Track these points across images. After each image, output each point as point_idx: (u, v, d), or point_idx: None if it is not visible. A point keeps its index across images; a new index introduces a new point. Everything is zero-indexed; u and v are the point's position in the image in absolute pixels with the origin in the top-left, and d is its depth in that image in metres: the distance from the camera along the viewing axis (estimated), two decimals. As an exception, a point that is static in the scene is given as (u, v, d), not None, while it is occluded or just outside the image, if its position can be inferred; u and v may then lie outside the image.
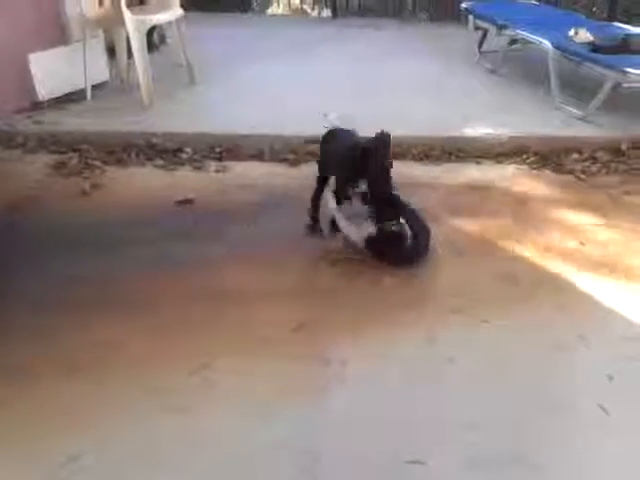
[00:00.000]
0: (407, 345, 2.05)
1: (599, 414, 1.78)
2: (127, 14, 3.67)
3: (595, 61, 3.68)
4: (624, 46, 3.79)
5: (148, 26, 3.90)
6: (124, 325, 2.11)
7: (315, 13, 7.24)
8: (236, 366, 1.93)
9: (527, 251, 2.59)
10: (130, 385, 1.87)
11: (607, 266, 2.50)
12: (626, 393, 1.88)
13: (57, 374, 1.91)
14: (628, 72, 3.38)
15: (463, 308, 2.22)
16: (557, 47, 3.89)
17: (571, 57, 3.89)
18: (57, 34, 3.94)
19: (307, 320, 2.15)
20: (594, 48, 3.81)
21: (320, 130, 2.77)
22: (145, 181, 3.19)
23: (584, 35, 4.07)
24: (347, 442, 1.70)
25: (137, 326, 2.11)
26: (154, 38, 5.17)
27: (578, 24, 4.30)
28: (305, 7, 7.66)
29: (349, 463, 1.64)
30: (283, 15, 7.41)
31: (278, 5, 7.68)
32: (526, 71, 4.56)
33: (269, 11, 7.86)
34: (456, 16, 5.90)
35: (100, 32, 4.19)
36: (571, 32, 4.12)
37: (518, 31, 4.27)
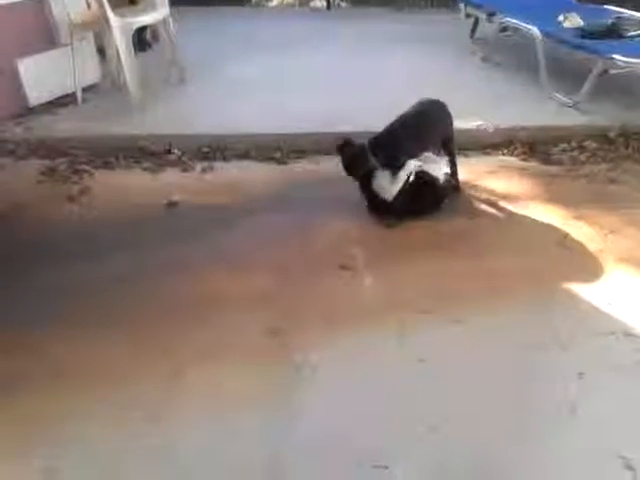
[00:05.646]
0: (378, 348, 2.07)
1: (568, 412, 1.80)
2: (112, 17, 3.69)
3: (582, 48, 3.63)
4: (613, 30, 3.74)
5: (133, 28, 3.90)
6: (101, 335, 2.15)
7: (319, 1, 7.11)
8: (208, 374, 1.97)
9: (505, 248, 2.59)
10: (105, 395, 1.91)
11: (584, 262, 2.49)
12: (596, 391, 1.88)
13: (40, 386, 1.95)
14: (615, 58, 3.33)
15: (436, 307, 2.23)
16: (545, 34, 3.85)
17: (559, 44, 3.84)
18: (46, 39, 3.96)
19: (282, 324, 2.17)
20: (583, 33, 3.76)
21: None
22: (132, 185, 3.22)
23: (574, 20, 4.03)
24: (314, 448, 1.72)
25: (115, 337, 2.14)
26: (147, 36, 5.19)
27: (569, 8, 4.26)
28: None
29: (316, 468, 1.67)
30: (278, 6, 7.36)
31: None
32: (519, 58, 4.52)
33: (269, 3, 7.80)
34: (450, 3, 5.84)
35: (90, 34, 4.22)
36: (561, 17, 4.08)
37: (507, 18, 4.22)
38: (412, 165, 2.72)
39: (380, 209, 2.79)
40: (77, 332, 2.17)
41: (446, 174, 2.81)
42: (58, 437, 1.78)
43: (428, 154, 2.81)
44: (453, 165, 2.96)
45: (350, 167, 2.79)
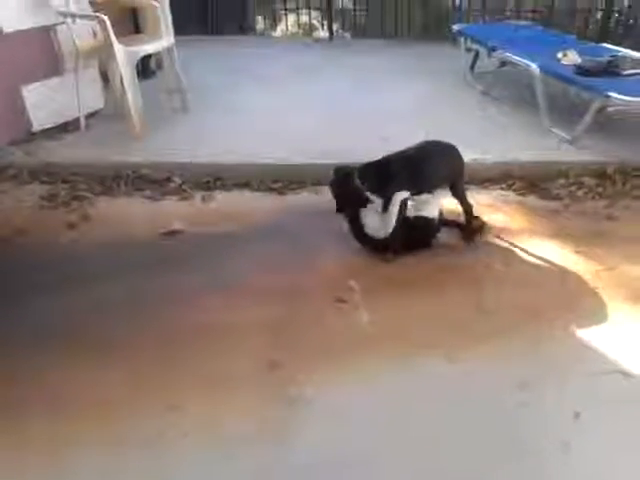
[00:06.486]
0: (375, 383, 2.06)
1: (563, 456, 1.78)
2: (117, 46, 3.74)
3: (580, 85, 3.68)
4: (610, 68, 3.79)
5: (138, 57, 3.96)
6: (99, 364, 2.15)
7: (322, 32, 7.25)
8: (205, 407, 1.96)
9: (503, 282, 2.60)
10: (101, 424, 1.91)
11: (582, 298, 2.50)
12: (592, 431, 1.87)
13: (36, 413, 1.95)
14: (612, 96, 3.37)
15: (433, 342, 2.24)
16: (544, 70, 3.90)
17: (558, 80, 3.89)
18: (51, 65, 4.02)
19: (280, 358, 2.17)
20: (580, 71, 3.82)
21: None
22: (132, 212, 3.24)
23: (572, 57, 4.09)
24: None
25: (112, 366, 2.15)
26: (151, 64, 5.26)
27: (568, 45, 4.32)
28: (314, 23, 7.71)
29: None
30: (282, 36, 7.49)
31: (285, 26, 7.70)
32: (518, 92, 4.57)
33: (273, 33, 7.92)
34: (451, 37, 5.93)
35: (95, 61, 4.28)
36: (559, 54, 4.14)
37: (507, 54, 4.29)
38: (401, 196, 2.70)
39: (377, 248, 2.79)
40: (75, 360, 2.17)
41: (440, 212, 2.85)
42: (53, 463, 1.78)
43: (424, 197, 2.80)
44: (466, 213, 2.91)
45: (334, 185, 2.81)
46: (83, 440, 1.85)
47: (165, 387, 2.05)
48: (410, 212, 2.76)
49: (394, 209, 2.70)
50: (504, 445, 1.83)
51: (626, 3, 5.91)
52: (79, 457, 1.80)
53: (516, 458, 1.80)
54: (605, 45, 4.57)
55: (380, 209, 2.75)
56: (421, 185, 2.78)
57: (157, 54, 4.91)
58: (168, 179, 3.51)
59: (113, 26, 3.73)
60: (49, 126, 4.01)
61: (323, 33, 7.00)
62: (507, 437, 1.86)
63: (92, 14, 3.92)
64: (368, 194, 2.73)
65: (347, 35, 7.25)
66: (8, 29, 3.67)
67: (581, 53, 4.11)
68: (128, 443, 1.84)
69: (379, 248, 2.77)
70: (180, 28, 4.70)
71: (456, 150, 2.86)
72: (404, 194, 2.71)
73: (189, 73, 4.53)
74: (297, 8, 7.28)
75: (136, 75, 3.95)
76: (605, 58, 3.93)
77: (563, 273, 2.66)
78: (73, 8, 3.91)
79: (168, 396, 2.00)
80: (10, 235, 2.99)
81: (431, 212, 2.81)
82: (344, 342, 2.27)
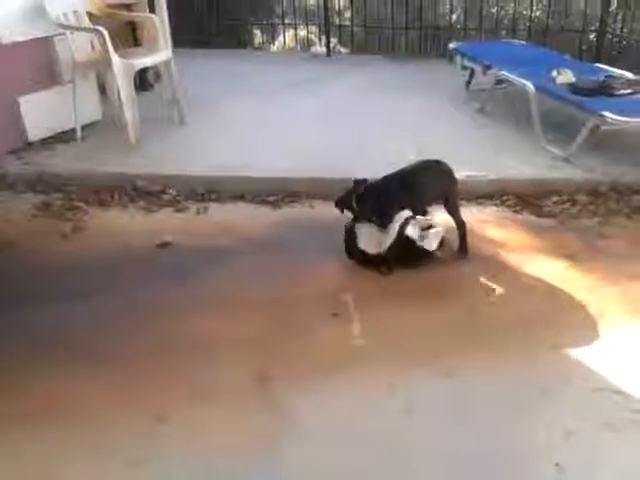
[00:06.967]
0: (367, 397, 2.05)
1: (555, 474, 1.77)
2: (115, 58, 3.76)
3: (575, 104, 3.71)
4: (604, 88, 3.83)
5: (136, 69, 3.98)
6: (86, 375, 2.14)
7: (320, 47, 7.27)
8: (191, 419, 1.95)
9: (494, 299, 2.60)
10: (87, 438, 1.89)
11: (574, 315, 2.50)
12: (585, 449, 1.86)
13: (23, 424, 1.93)
14: (605, 116, 3.40)
15: (427, 358, 2.23)
16: (539, 89, 3.93)
17: (553, 99, 3.93)
18: (49, 76, 4.04)
19: (271, 370, 2.16)
20: (575, 90, 3.85)
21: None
22: (125, 224, 3.24)
23: (567, 76, 4.12)
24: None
25: (101, 377, 2.14)
26: (149, 76, 5.28)
27: (562, 65, 4.36)
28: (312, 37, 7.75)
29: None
30: (280, 50, 7.53)
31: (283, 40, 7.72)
32: (514, 110, 4.59)
33: (271, 47, 7.96)
34: (447, 54, 5.97)
35: (93, 73, 4.30)
36: (554, 73, 4.18)
37: (502, 72, 4.32)
38: (404, 215, 2.73)
39: (370, 262, 2.78)
40: (64, 370, 2.16)
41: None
42: (43, 474, 1.77)
43: (419, 217, 2.81)
44: (460, 229, 2.92)
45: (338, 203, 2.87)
46: (70, 450, 1.84)
47: (154, 398, 2.03)
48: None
49: (395, 227, 2.71)
50: (497, 465, 1.81)
51: (619, 24, 5.98)
52: (67, 467, 1.78)
53: (507, 476, 1.78)
54: (599, 65, 4.62)
55: (376, 228, 2.76)
56: (415, 204, 2.81)
57: (155, 67, 4.96)
58: (163, 191, 3.52)
59: (112, 39, 3.76)
60: (45, 136, 4.02)
61: (321, 48, 7.04)
62: (500, 457, 1.84)
63: (91, 27, 3.95)
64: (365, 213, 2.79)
65: (344, 50, 7.29)
66: (6, 40, 3.69)
67: (576, 72, 4.15)
68: (112, 457, 1.82)
69: (372, 262, 2.77)
70: (178, 41, 4.74)
71: (447, 168, 2.89)
72: (406, 214, 2.73)
73: (187, 86, 4.55)
74: (295, 24, 7.34)
75: (134, 87, 3.97)
76: (600, 78, 3.97)
77: (555, 289, 2.66)
78: (72, 21, 3.94)
79: (157, 407, 1.98)
80: (3, 245, 2.98)
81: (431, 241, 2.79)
82: (337, 355, 2.25)
